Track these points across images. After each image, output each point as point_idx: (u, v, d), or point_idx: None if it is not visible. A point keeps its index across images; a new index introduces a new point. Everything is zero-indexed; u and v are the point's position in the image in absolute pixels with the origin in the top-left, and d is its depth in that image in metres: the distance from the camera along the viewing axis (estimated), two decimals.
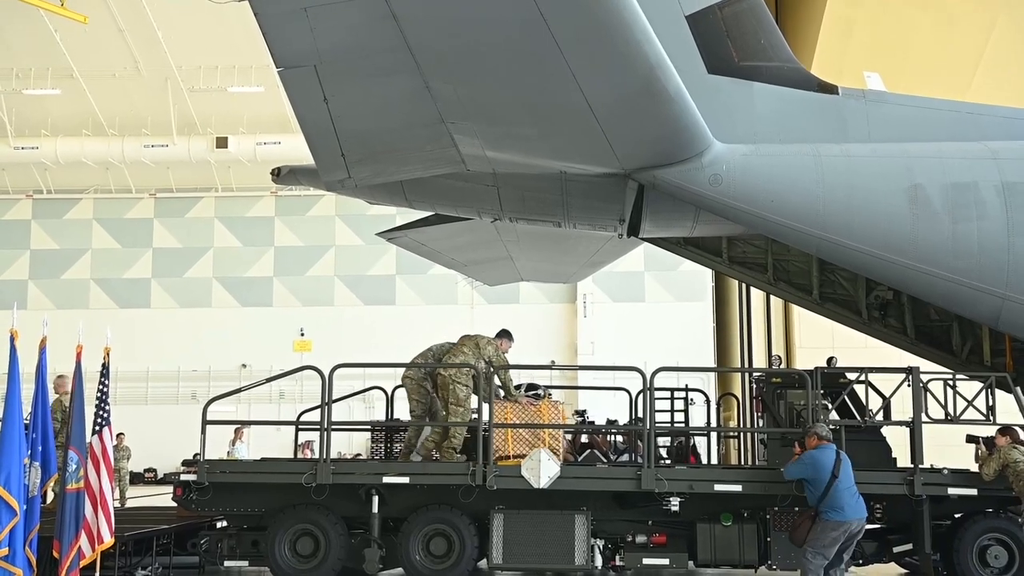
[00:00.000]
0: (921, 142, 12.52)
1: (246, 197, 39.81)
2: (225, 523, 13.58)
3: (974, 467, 12.59)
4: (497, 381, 13.15)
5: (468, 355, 13.35)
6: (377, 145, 11.48)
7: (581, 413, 16.83)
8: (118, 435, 23.28)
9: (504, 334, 13.90)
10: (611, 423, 17.05)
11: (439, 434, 13.54)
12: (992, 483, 12.09)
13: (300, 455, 16.93)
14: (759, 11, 13.01)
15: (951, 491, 12.38)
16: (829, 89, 13.03)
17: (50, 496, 12.62)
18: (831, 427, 12.22)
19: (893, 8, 29.45)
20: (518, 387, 13.54)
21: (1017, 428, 12.28)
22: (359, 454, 26.89)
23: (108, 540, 11.05)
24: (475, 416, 13.33)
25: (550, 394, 14.09)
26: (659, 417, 14.59)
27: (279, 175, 14.24)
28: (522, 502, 12.55)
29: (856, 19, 29.71)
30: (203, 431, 12.84)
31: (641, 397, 13.23)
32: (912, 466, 12.41)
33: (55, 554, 10.78)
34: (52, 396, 13.28)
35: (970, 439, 12.90)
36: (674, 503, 12.33)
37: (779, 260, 14.27)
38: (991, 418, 12.58)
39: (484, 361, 13.27)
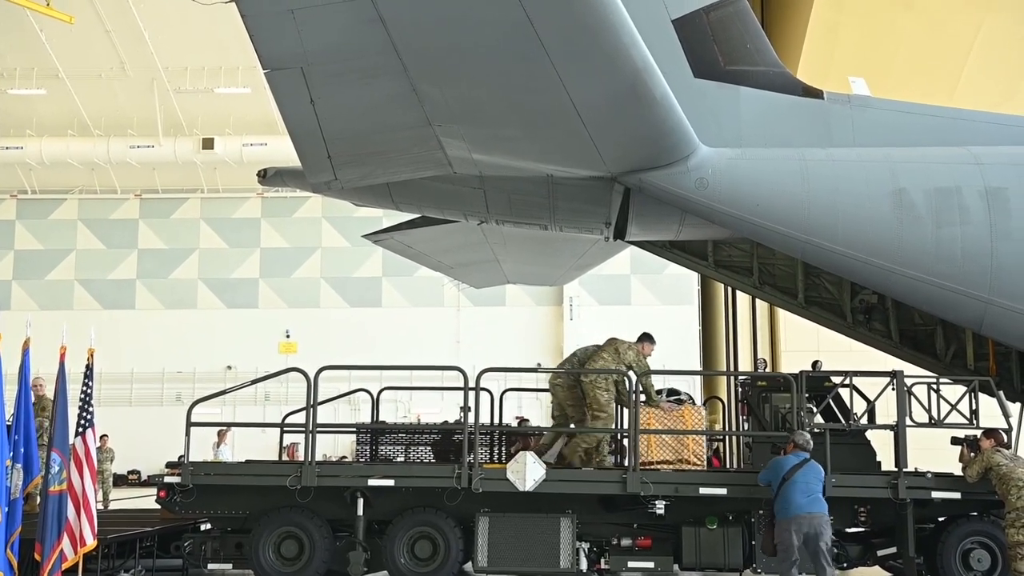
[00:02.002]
0: (905, 147, 12.58)
1: (232, 198, 39.70)
2: (209, 525, 13.54)
3: (958, 470, 12.65)
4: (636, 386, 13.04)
5: (608, 360, 13.27)
6: (363, 147, 11.47)
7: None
8: (102, 437, 23.21)
9: (645, 338, 13.75)
10: None
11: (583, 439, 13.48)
12: (975, 486, 12.14)
13: (285, 457, 16.89)
14: (745, 15, 13.05)
15: (935, 495, 12.42)
16: (814, 94, 13.09)
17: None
18: (815, 431, 12.27)
19: (878, 12, 29.55)
20: (659, 392, 13.44)
21: (1001, 431, 12.35)
22: (344, 457, 26.85)
23: (91, 542, 11.02)
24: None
25: (692, 399, 13.98)
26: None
27: (265, 176, 14.20)
28: (507, 505, 12.54)
29: (841, 23, 29.79)
30: (187, 433, 12.78)
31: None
32: (896, 470, 12.46)
33: (37, 556, 10.73)
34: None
35: (955, 441, 12.95)
36: (659, 506, 12.34)
37: (764, 264, 14.31)
38: (974, 422, 12.64)
39: (624, 366, 13.19)
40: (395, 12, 9.43)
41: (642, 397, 12.97)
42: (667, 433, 13.02)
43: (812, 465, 11.53)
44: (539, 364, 33.91)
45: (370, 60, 10.04)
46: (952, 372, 13.64)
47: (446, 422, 17.26)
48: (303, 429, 12.88)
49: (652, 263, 30.54)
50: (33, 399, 13.36)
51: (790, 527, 11.28)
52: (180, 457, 13.21)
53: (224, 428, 22.89)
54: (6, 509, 10.37)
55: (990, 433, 12.25)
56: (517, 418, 19.97)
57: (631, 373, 13.05)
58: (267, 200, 39.53)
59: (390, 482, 12.54)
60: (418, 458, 14.30)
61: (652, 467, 12.73)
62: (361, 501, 12.57)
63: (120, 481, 32.57)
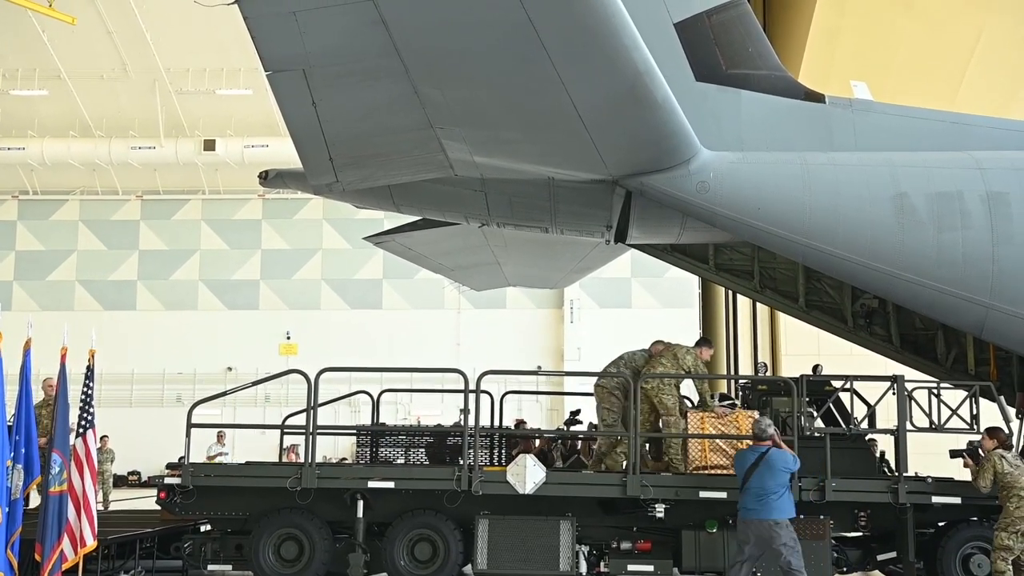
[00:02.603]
0: (907, 151, 12.58)
1: (233, 200, 39.70)
2: (209, 527, 13.52)
3: (958, 475, 12.63)
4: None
5: (667, 366, 13.22)
6: (365, 149, 11.48)
7: (576, 413, 16.75)
8: (102, 437, 23.20)
9: (703, 342, 13.76)
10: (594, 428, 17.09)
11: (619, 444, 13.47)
12: (974, 490, 12.07)
13: (285, 459, 16.90)
14: (747, 19, 13.05)
15: (935, 499, 12.42)
16: (816, 98, 13.09)
17: (33, 498, 12.55)
18: (815, 435, 12.27)
19: (880, 17, 29.55)
20: (712, 397, 13.37)
21: (1004, 430, 12.29)
22: (344, 458, 26.85)
23: (91, 543, 11.02)
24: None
25: (735, 404, 13.88)
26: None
27: (267, 178, 14.21)
28: (507, 508, 12.54)
29: (843, 27, 29.80)
30: (188, 434, 12.79)
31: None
32: (896, 474, 12.45)
33: (37, 557, 10.73)
34: (40, 398, 13.24)
35: (954, 454, 12.93)
36: (659, 510, 12.33)
37: (765, 267, 14.31)
38: (975, 427, 12.62)
39: (684, 371, 13.14)
40: (397, 14, 9.43)
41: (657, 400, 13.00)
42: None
43: (769, 460, 11.25)
44: (539, 367, 34.06)
45: (372, 62, 10.05)
46: (953, 377, 13.64)
47: (439, 425, 17.28)
48: (303, 431, 12.88)
49: (653, 266, 30.58)
50: (45, 398, 13.40)
51: (744, 529, 11.30)
52: (180, 458, 13.22)
53: (222, 430, 22.92)
54: (6, 509, 10.37)
55: (992, 433, 12.17)
56: (516, 420, 19.95)
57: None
58: (268, 202, 39.54)
59: (390, 484, 12.53)
60: (413, 460, 14.31)
61: (708, 471, 12.63)
62: (361, 503, 12.56)
63: (120, 482, 32.58)
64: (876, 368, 14.13)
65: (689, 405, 13.74)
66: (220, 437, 24.00)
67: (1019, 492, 11.60)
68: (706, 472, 12.67)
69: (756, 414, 12.94)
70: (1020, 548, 11.54)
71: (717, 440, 12.80)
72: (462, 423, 12.79)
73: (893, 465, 12.99)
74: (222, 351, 37.63)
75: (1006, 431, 12.46)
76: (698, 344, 13.69)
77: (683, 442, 12.97)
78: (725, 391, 14.85)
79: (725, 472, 12.54)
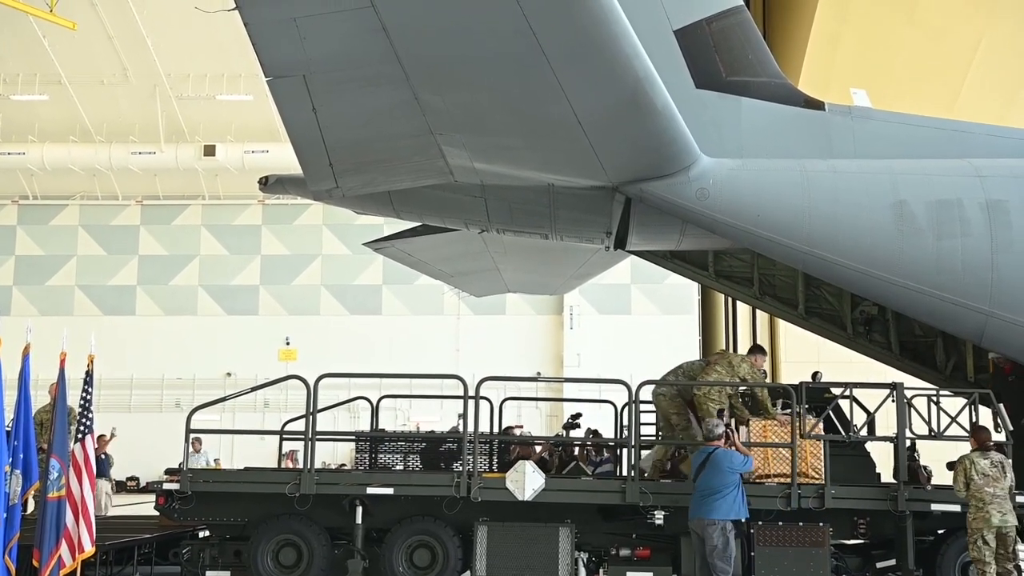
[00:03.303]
0: (906, 159, 12.59)
1: (233, 205, 39.68)
2: (207, 533, 13.51)
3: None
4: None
5: (722, 373, 13.09)
6: (365, 155, 11.49)
7: (576, 417, 16.72)
8: (99, 437, 23.13)
9: (757, 349, 13.65)
10: (594, 434, 17.09)
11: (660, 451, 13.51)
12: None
13: (284, 465, 16.87)
14: (747, 26, 13.08)
15: (934, 507, 12.39)
16: (816, 105, 13.11)
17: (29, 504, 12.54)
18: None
19: (880, 24, 29.59)
20: (773, 404, 13.22)
21: (987, 430, 12.11)
22: (343, 464, 26.83)
23: (89, 549, 11.00)
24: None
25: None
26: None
27: (267, 184, 14.22)
28: (506, 514, 12.52)
29: (843, 35, 29.83)
30: (187, 440, 12.80)
31: (626, 410, 13.23)
32: (896, 482, 12.44)
33: (35, 563, 10.72)
34: (42, 403, 13.23)
35: (950, 466, 12.90)
36: (658, 516, 12.31)
37: (765, 274, 14.32)
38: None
39: (739, 379, 13.06)
40: (398, 21, 9.45)
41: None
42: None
43: (714, 460, 11.48)
44: (539, 373, 34.09)
45: (372, 68, 10.06)
46: (952, 384, 13.63)
47: (432, 432, 17.23)
48: (302, 436, 12.87)
49: (652, 273, 30.52)
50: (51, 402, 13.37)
51: (692, 529, 11.64)
52: (179, 464, 13.20)
53: (198, 436, 22.75)
54: (4, 515, 10.35)
55: (975, 432, 12.03)
56: (505, 428, 19.83)
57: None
58: (268, 207, 39.53)
59: (389, 490, 12.52)
60: (412, 466, 14.29)
61: (770, 480, 12.53)
62: (360, 509, 12.54)
63: (119, 487, 32.51)
64: (875, 375, 14.14)
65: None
66: (195, 444, 23.72)
67: (978, 502, 11.48)
68: (768, 481, 12.52)
69: (816, 422, 12.80)
70: (991, 556, 11.38)
71: (779, 448, 12.60)
72: (460, 429, 12.77)
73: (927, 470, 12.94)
74: (221, 356, 37.59)
75: (1003, 439, 12.44)
76: (751, 352, 13.58)
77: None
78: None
79: (786, 481, 12.40)
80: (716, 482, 11.42)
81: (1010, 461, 11.77)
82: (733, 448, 11.79)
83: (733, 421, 12.88)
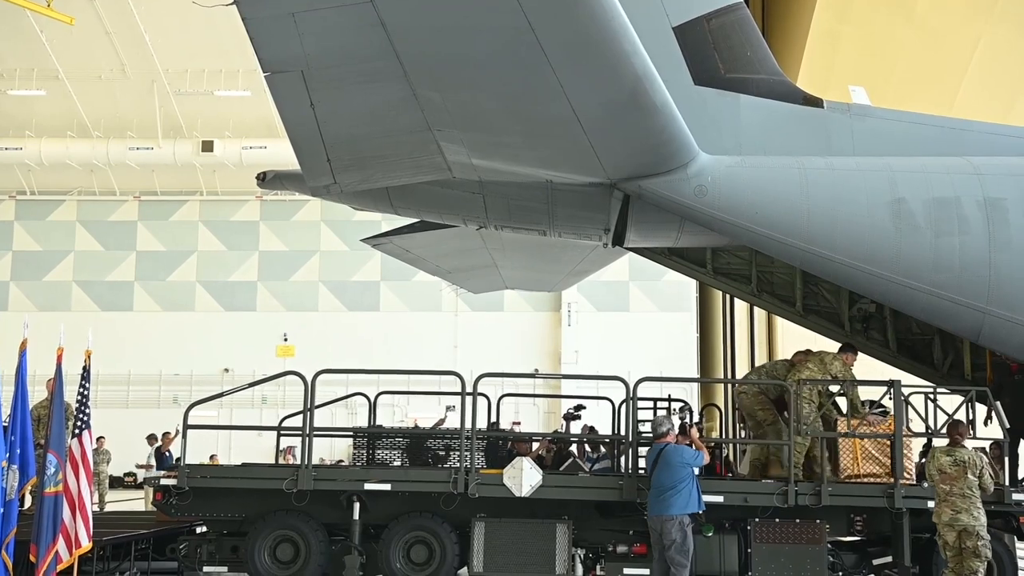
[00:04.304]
0: (905, 156, 12.60)
1: (231, 201, 39.65)
2: (205, 528, 13.51)
3: None
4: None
5: (814, 371, 13.03)
6: (363, 151, 11.47)
7: (578, 408, 16.70)
8: (98, 439, 23.14)
9: (848, 348, 13.49)
10: (590, 431, 17.11)
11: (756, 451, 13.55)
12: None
13: (281, 461, 16.87)
14: (746, 24, 13.08)
15: (931, 504, 12.39)
16: (814, 102, 13.12)
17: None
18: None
19: (879, 23, 29.62)
20: (863, 403, 13.20)
21: (965, 423, 12.08)
22: (341, 460, 26.83)
23: (86, 544, 10.99)
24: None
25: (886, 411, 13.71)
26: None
27: (264, 179, 14.21)
28: (504, 510, 12.53)
29: (842, 33, 29.86)
30: (184, 435, 12.78)
31: (624, 407, 13.24)
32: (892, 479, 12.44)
33: (32, 558, 10.71)
34: (40, 398, 13.21)
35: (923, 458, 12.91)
36: None
37: (763, 272, 14.32)
38: (971, 432, 12.62)
39: (831, 377, 12.96)
40: (396, 17, 9.43)
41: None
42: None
43: (665, 457, 11.59)
44: (536, 370, 34.11)
45: (371, 64, 10.05)
46: (949, 382, 13.63)
47: (416, 425, 17.17)
48: (300, 432, 12.86)
49: (651, 270, 30.42)
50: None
51: (650, 526, 11.71)
52: (177, 459, 13.18)
53: (169, 432, 22.60)
54: (1, 510, 10.34)
55: (950, 427, 11.92)
56: (490, 423, 19.77)
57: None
58: (266, 203, 39.51)
59: (386, 486, 12.51)
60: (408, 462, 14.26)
61: (859, 480, 12.48)
62: (357, 505, 12.54)
63: (116, 483, 32.50)
64: (873, 373, 14.13)
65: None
66: (167, 439, 23.57)
67: (936, 497, 11.53)
68: (859, 481, 12.48)
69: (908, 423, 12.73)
70: (950, 552, 11.35)
71: (869, 448, 12.54)
72: (447, 422, 12.76)
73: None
74: (219, 352, 37.58)
75: (1000, 436, 12.46)
76: (842, 350, 13.45)
77: (826, 449, 12.68)
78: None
79: (878, 481, 12.40)
80: (670, 478, 11.46)
81: (987, 460, 11.68)
82: (691, 445, 11.84)
83: (689, 417, 13.04)
